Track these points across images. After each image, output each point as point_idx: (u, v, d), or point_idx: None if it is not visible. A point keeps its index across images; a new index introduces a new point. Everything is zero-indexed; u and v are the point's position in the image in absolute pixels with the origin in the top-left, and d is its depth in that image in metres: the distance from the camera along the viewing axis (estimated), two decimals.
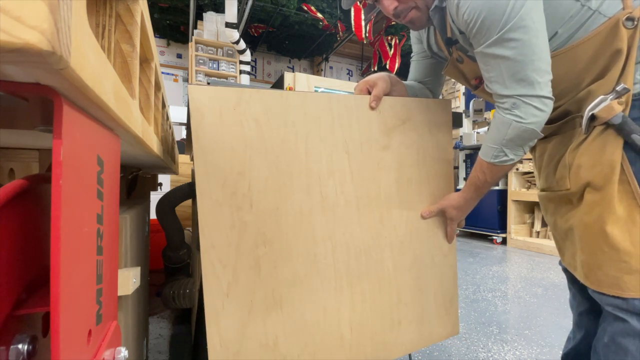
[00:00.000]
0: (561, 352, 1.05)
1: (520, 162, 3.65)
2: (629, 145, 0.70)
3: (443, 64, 1.05)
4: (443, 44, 0.90)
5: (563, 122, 0.83)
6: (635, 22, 0.69)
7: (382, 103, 0.87)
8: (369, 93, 0.88)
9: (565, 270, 0.99)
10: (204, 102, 0.68)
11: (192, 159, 2.27)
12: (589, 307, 0.94)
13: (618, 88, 0.70)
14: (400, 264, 0.90)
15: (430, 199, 0.95)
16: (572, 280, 0.98)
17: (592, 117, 0.73)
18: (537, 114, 0.71)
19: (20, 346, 0.30)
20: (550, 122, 0.83)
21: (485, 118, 4.63)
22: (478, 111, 4.10)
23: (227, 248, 0.70)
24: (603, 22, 0.71)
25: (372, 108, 0.86)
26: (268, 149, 0.74)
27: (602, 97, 0.72)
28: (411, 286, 0.92)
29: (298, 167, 0.77)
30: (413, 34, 1.05)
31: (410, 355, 1.24)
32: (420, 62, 1.07)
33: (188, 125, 1.44)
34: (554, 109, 0.81)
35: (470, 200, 0.89)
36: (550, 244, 3.34)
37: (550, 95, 0.72)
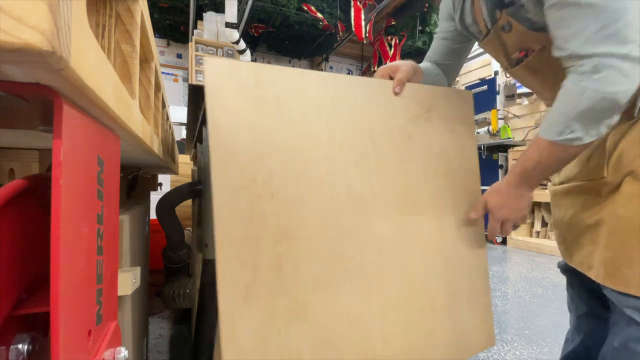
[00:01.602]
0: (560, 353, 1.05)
1: None
2: None
3: (465, 49, 1.00)
4: (482, 14, 0.81)
5: None
6: None
7: (405, 89, 0.82)
8: (391, 79, 0.82)
9: (565, 272, 0.96)
10: (222, 77, 0.63)
11: (191, 159, 2.27)
12: (588, 311, 0.91)
13: None
14: (431, 266, 0.82)
15: (456, 192, 0.87)
16: (572, 283, 0.95)
17: None
18: (622, 81, 0.57)
19: (20, 346, 0.30)
20: None
21: (485, 118, 4.63)
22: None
23: (246, 243, 0.62)
24: None
25: (395, 93, 0.80)
26: (288, 130, 0.68)
27: None
28: (444, 291, 0.83)
29: (319, 153, 0.71)
30: (443, 9, 0.97)
31: None
32: (443, 42, 1.00)
33: (188, 126, 1.44)
34: None
35: (512, 187, 0.74)
36: (550, 244, 3.34)
37: None
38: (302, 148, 0.69)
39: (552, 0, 0.61)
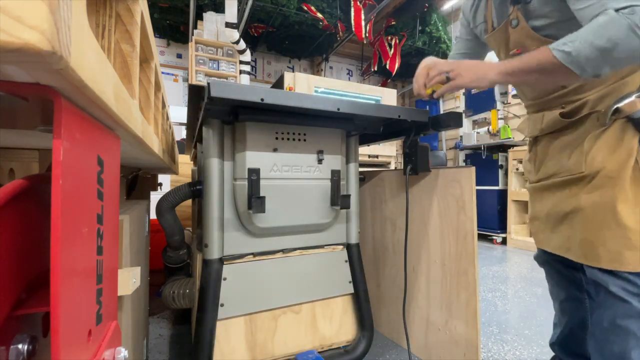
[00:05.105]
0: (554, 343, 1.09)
1: (520, 162, 3.65)
2: None
3: (478, 54, 1.15)
4: (492, 14, 0.95)
5: (581, 117, 0.86)
6: None
7: None
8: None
9: (543, 264, 1.05)
10: None
11: (191, 159, 2.27)
12: (567, 296, 1.00)
13: None
14: None
15: None
16: (550, 274, 1.05)
17: (615, 111, 0.79)
18: None
19: (20, 346, 0.30)
20: (568, 115, 0.87)
21: (485, 118, 4.62)
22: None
23: None
24: None
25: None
26: None
27: (628, 93, 0.79)
28: None
29: None
30: (462, 17, 1.13)
31: (410, 355, 1.24)
32: (462, 45, 1.16)
33: (188, 125, 1.44)
34: (575, 101, 0.85)
35: (484, 68, 0.83)
36: None
37: None
38: None
39: None
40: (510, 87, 3.75)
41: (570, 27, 0.73)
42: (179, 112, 3.64)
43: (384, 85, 6.87)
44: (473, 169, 1.08)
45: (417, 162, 1.21)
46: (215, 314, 0.95)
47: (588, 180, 0.83)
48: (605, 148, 0.81)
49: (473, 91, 4.46)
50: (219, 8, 4.52)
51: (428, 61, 0.96)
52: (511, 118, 4.41)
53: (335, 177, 1.11)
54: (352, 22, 4.56)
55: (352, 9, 4.47)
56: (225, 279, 0.98)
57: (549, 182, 0.93)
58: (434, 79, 0.90)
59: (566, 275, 0.97)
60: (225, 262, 0.99)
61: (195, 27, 4.67)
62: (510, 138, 3.97)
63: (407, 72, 6.54)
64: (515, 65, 0.78)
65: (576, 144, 0.86)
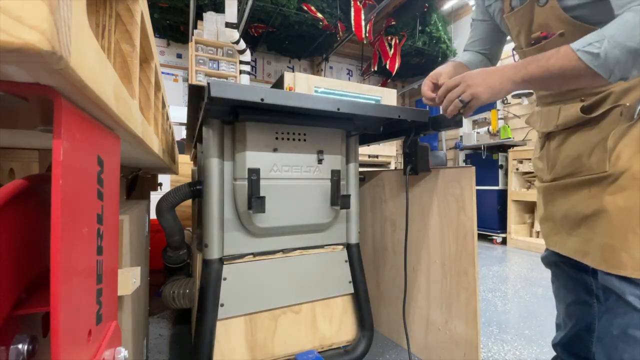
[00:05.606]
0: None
1: (520, 162, 3.65)
2: None
3: (503, 34, 1.05)
4: None
5: (603, 113, 0.80)
6: None
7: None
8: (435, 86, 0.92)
9: (550, 265, 1.03)
10: None
11: (191, 159, 2.27)
12: (575, 299, 0.97)
13: None
14: None
15: None
16: (557, 275, 1.02)
17: None
18: None
19: (20, 346, 0.30)
20: (589, 110, 0.80)
21: (485, 118, 4.62)
22: None
23: None
24: None
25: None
26: None
27: None
28: None
29: None
30: None
31: (410, 355, 1.24)
32: (480, 28, 1.07)
33: (188, 125, 1.44)
34: (596, 94, 0.79)
35: (501, 69, 0.77)
36: None
37: None
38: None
39: None
40: None
41: (604, 8, 0.68)
42: (179, 112, 3.64)
43: (384, 85, 6.87)
44: (473, 169, 1.08)
45: (417, 162, 1.21)
46: (215, 314, 0.95)
47: (611, 180, 0.76)
48: (633, 146, 0.74)
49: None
50: (219, 8, 4.52)
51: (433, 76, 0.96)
52: (511, 118, 4.41)
53: (335, 177, 1.11)
54: (352, 22, 4.56)
55: (352, 9, 4.47)
56: (225, 279, 0.98)
57: (566, 182, 0.87)
58: (451, 111, 0.86)
59: (575, 278, 0.93)
60: (225, 262, 0.99)
61: (195, 27, 4.67)
62: (510, 138, 3.98)
63: (407, 72, 6.54)
64: (533, 72, 0.72)
65: (597, 140, 0.79)
